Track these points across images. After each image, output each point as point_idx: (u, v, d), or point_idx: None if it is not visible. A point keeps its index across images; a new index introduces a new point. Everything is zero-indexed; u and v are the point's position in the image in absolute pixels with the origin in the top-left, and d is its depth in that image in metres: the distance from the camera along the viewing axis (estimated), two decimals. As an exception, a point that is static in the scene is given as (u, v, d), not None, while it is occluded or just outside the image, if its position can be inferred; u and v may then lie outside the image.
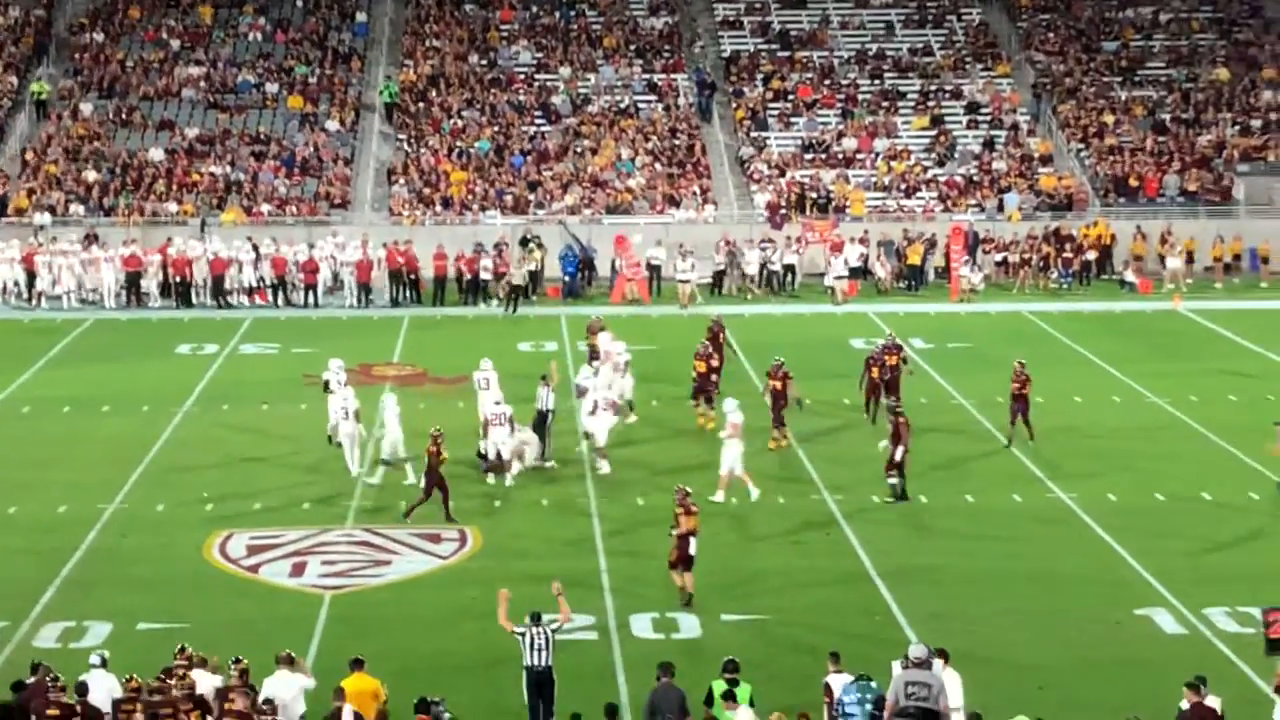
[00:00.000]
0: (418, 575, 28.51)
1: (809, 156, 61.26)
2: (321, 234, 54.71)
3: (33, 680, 20.13)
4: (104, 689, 20.19)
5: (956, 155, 61.35)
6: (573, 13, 68.74)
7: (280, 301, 51.96)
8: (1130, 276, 55.04)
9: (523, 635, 21.66)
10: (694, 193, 58.68)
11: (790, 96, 64.36)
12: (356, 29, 67.71)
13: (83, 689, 20.08)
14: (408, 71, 64.90)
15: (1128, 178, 59.90)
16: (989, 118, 63.36)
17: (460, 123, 62.08)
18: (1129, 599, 27.16)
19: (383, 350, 45.51)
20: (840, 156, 61.24)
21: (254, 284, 52.34)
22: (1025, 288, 54.65)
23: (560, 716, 19.55)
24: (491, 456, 33.38)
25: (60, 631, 25.64)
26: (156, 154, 59.66)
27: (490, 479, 33.22)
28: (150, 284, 52.10)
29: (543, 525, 31.06)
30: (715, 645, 24.03)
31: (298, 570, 28.57)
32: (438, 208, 57.91)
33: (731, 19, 68.94)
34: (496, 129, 61.90)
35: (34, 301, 52.09)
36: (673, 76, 65.37)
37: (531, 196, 58.31)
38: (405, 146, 61.23)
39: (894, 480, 32.08)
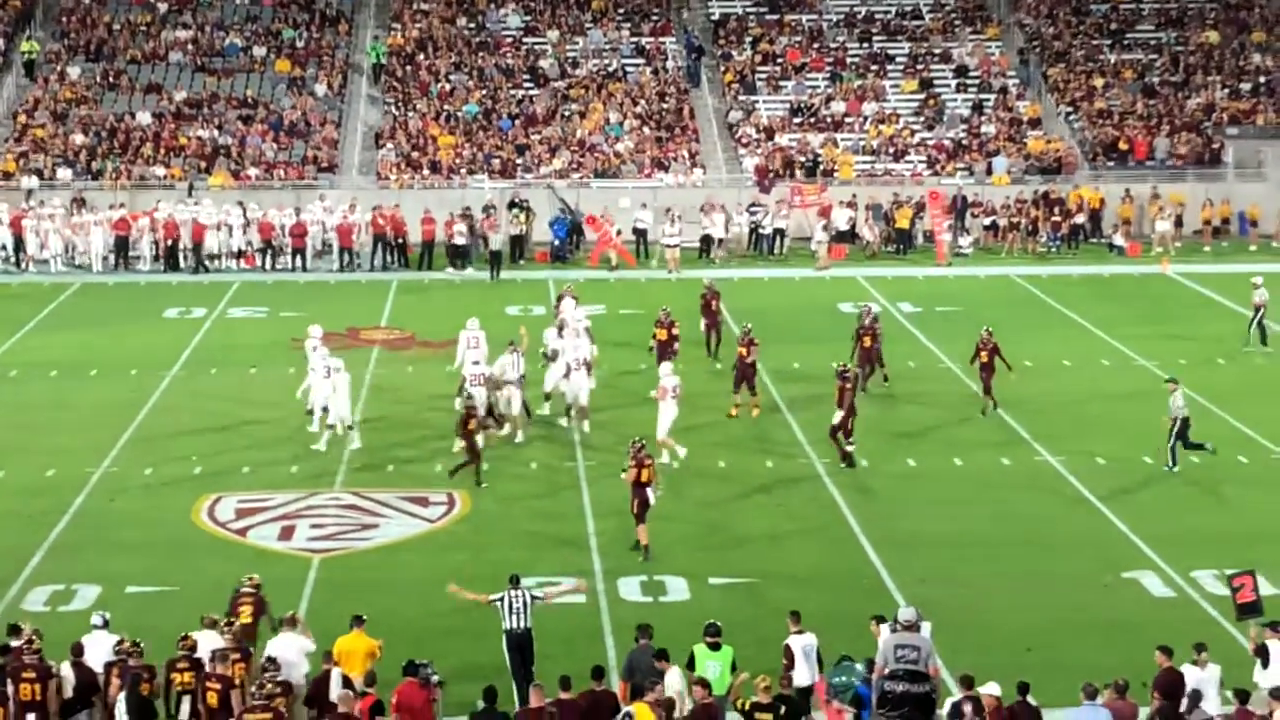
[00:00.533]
0: (406, 538, 28.55)
1: (797, 120, 61.14)
2: (309, 198, 54.58)
3: (17, 644, 20.02)
4: (106, 648, 20.16)
5: (945, 119, 61.25)
6: (561, -25, 68.50)
7: (268, 265, 51.86)
8: (1119, 240, 55.06)
9: (500, 600, 21.69)
10: (682, 156, 58.56)
11: (779, 60, 64.20)
12: (344, -8, 67.45)
13: (78, 649, 20.08)
14: (395, 35, 64.65)
15: (1117, 141, 59.86)
16: (978, 81, 63.26)
17: (448, 86, 61.87)
18: (1117, 562, 27.24)
19: (371, 314, 45.51)
20: (829, 120, 61.10)
21: (242, 248, 52.25)
22: (1014, 251, 54.63)
23: (548, 678, 19.56)
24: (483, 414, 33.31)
25: (49, 595, 25.66)
26: (144, 117, 59.43)
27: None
28: (143, 248, 51.94)
29: (531, 488, 31.11)
30: (702, 608, 24.05)
31: (286, 534, 28.61)
32: (425, 171, 57.77)
33: (720, -18, 68.79)
34: (484, 92, 61.72)
35: (21, 265, 51.94)
36: (661, 40, 65.19)
37: (519, 160, 58.18)
38: (393, 110, 61.04)
39: (847, 446, 31.97)
